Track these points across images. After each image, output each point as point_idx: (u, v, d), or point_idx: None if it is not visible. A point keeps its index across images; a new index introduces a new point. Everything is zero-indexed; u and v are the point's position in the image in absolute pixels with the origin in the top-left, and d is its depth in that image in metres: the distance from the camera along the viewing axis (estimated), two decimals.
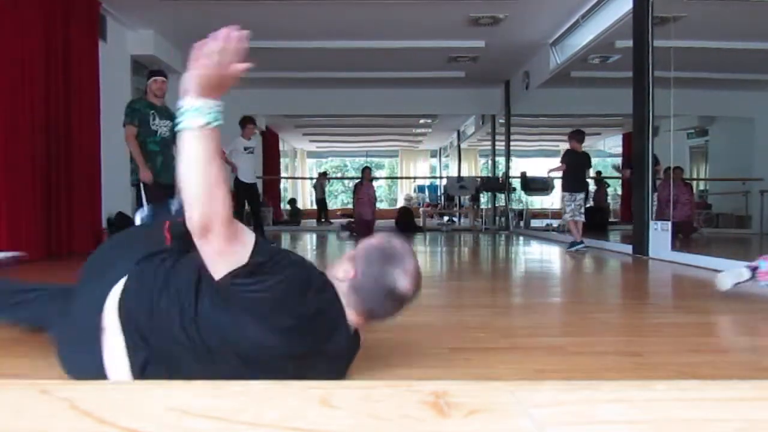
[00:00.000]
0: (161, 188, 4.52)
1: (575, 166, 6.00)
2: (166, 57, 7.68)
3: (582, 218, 5.91)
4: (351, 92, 10.23)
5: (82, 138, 5.60)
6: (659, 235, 5.01)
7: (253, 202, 6.70)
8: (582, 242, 5.81)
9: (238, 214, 6.54)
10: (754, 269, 2.84)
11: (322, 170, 18.68)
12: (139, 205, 4.50)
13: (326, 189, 16.25)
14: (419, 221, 11.44)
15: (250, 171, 6.67)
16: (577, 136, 6.17)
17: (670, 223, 4.97)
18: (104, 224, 6.08)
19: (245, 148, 6.52)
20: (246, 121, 6.59)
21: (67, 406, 0.85)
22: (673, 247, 4.91)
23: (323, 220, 14.31)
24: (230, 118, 11.28)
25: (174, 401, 0.90)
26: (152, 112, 4.50)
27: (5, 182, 4.44)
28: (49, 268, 4.29)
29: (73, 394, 0.90)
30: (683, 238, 7.19)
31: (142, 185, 4.42)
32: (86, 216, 5.64)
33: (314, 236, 9.62)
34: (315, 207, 15.88)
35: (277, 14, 6.74)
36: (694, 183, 11.29)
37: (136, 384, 1.17)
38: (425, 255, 5.90)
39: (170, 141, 4.62)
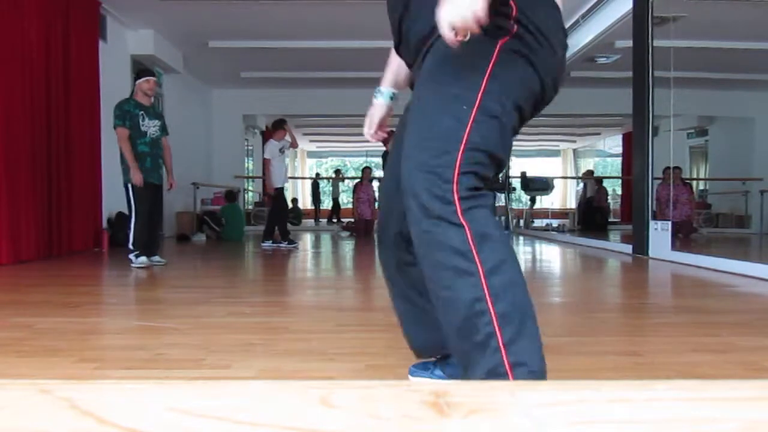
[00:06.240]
0: (150, 188, 4.43)
1: None
2: (166, 57, 7.68)
3: None
4: (351, 92, 10.20)
5: (83, 138, 5.60)
6: (659, 235, 5.01)
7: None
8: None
9: (282, 218, 6.48)
10: None
11: (334, 169, 18.43)
12: (129, 206, 4.41)
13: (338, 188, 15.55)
14: None
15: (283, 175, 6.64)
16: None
17: (670, 223, 4.97)
18: (104, 224, 6.08)
19: (280, 150, 6.45)
20: (278, 125, 6.49)
21: (67, 406, 0.86)
22: (673, 247, 4.91)
23: (335, 220, 13.74)
24: (230, 117, 11.21)
25: (174, 401, 0.90)
26: (141, 113, 4.37)
27: (6, 182, 4.44)
28: (49, 268, 4.29)
29: (73, 394, 0.90)
30: (683, 237, 7.19)
31: (131, 186, 4.33)
32: (86, 216, 5.65)
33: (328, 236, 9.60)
34: (313, 207, 15.68)
35: (277, 14, 6.73)
36: (694, 183, 11.29)
37: (136, 384, 1.18)
38: None
39: (159, 140, 4.54)
